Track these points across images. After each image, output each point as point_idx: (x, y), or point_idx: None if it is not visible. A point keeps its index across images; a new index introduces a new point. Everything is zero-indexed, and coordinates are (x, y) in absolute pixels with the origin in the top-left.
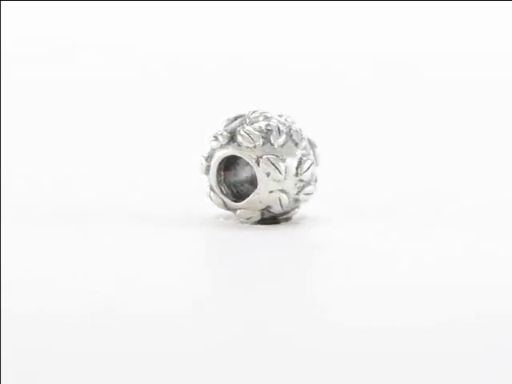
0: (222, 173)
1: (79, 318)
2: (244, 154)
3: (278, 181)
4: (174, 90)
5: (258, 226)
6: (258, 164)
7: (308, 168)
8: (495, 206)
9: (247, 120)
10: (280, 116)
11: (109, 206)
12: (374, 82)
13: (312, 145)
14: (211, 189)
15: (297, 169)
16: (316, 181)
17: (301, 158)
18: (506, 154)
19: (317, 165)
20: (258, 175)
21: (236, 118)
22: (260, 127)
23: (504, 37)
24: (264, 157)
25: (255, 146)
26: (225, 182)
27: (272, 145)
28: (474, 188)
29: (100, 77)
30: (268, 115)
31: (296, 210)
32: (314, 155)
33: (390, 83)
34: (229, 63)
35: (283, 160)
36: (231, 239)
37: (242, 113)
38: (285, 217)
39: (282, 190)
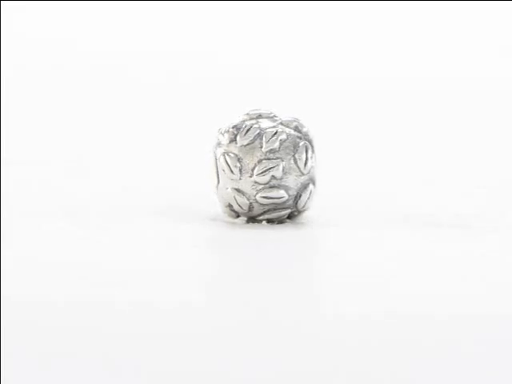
0: None
1: (78, 309)
2: (216, 150)
3: (232, 179)
4: (190, 87)
5: (253, 225)
6: (219, 160)
7: (264, 171)
8: (497, 208)
9: (242, 117)
10: (277, 117)
11: (112, 202)
12: (379, 87)
13: (298, 150)
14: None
15: (252, 170)
16: (293, 188)
17: (260, 160)
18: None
19: (300, 171)
20: (218, 171)
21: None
22: (235, 126)
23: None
24: (224, 154)
25: (223, 143)
26: None
27: (236, 143)
28: (473, 189)
29: (110, 76)
30: (266, 115)
31: (281, 213)
32: (295, 161)
33: (394, 87)
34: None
35: (240, 160)
36: (222, 237)
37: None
38: (261, 218)
39: (237, 189)
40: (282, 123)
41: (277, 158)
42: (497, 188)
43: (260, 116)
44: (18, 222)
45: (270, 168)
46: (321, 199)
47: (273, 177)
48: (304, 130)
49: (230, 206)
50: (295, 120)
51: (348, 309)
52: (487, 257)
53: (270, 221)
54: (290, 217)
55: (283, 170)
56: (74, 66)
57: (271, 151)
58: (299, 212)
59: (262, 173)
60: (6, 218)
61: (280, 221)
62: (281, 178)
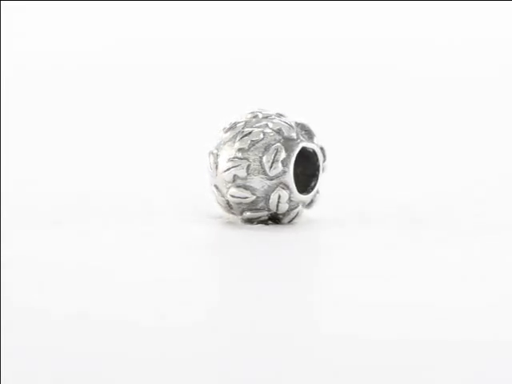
0: None
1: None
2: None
3: (211, 176)
4: (191, 86)
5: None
6: (207, 157)
7: (228, 169)
8: (502, 210)
9: (245, 116)
10: (273, 118)
11: (112, 202)
12: (382, 87)
13: (268, 152)
14: None
15: (223, 167)
16: (260, 190)
17: (230, 159)
18: None
19: (265, 173)
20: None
21: None
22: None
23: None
24: (211, 151)
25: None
26: None
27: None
28: (474, 190)
29: (111, 76)
30: (265, 115)
31: (256, 214)
32: (261, 163)
33: (398, 87)
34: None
35: (218, 157)
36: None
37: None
38: (240, 217)
39: (216, 186)
40: (267, 124)
41: (243, 158)
42: (498, 191)
43: (256, 116)
44: (17, 223)
45: (234, 167)
46: (321, 199)
47: (236, 176)
48: (290, 134)
49: (216, 202)
50: (285, 124)
51: (348, 309)
52: (487, 260)
53: (248, 221)
54: (279, 219)
55: (248, 170)
56: (74, 66)
57: (240, 150)
58: (283, 215)
59: (225, 171)
60: (6, 219)
61: (259, 222)
62: (245, 178)
